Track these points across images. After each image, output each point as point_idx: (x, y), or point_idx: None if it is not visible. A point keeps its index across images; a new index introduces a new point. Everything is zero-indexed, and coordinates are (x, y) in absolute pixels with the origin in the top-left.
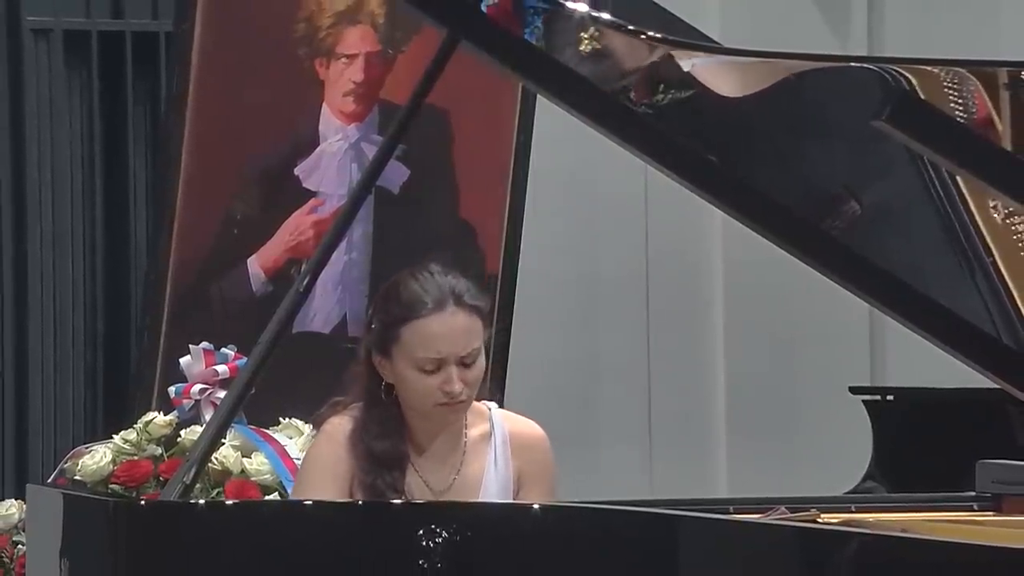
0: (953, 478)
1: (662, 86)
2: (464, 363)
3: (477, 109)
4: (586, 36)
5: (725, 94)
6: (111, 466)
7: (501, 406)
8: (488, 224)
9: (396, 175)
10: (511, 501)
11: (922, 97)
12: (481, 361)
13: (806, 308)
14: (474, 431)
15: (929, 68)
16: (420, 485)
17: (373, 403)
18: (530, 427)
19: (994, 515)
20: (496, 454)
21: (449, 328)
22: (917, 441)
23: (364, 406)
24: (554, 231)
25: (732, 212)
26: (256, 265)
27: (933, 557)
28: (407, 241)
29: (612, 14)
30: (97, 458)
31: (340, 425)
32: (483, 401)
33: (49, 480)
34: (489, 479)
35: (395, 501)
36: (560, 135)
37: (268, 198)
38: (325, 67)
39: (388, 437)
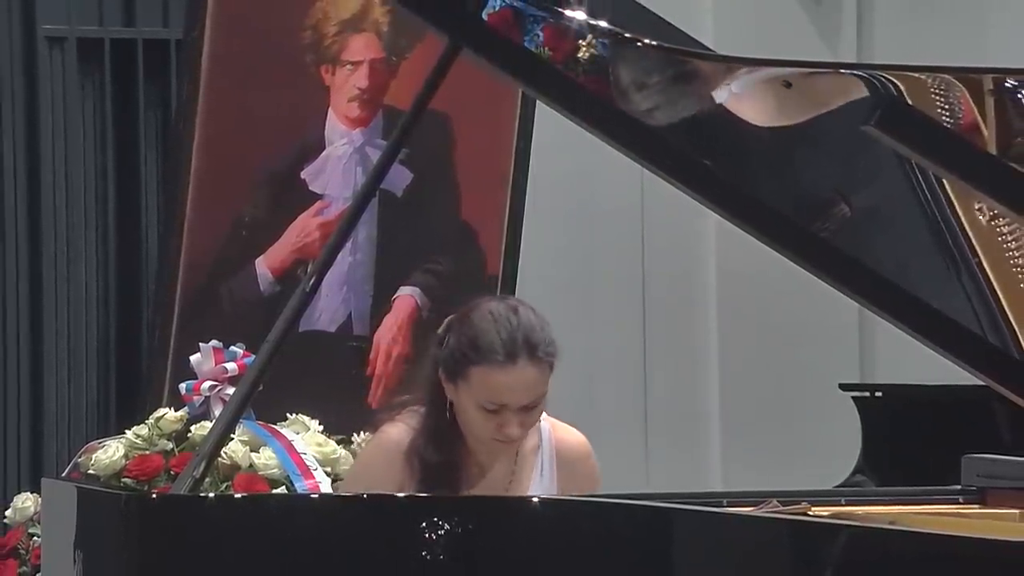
0: (939, 472)
1: (657, 92)
2: (526, 408)
3: (478, 114)
4: (584, 43)
5: (719, 100)
6: (123, 460)
7: None
8: (489, 226)
9: (399, 178)
10: (512, 495)
11: (910, 103)
12: (543, 402)
13: (797, 307)
14: (527, 446)
15: (916, 75)
16: None
17: (435, 413)
18: (574, 436)
19: (979, 508)
20: (543, 466)
21: (516, 381)
22: (904, 436)
23: (426, 413)
24: (553, 233)
25: (726, 215)
26: (264, 266)
27: (920, 548)
28: (410, 243)
29: (609, 22)
30: (110, 453)
31: (394, 435)
32: None
33: (63, 474)
34: (534, 491)
35: (399, 494)
36: (559, 140)
37: (275, 200)
38: (331, 73)
39: (444, 451)
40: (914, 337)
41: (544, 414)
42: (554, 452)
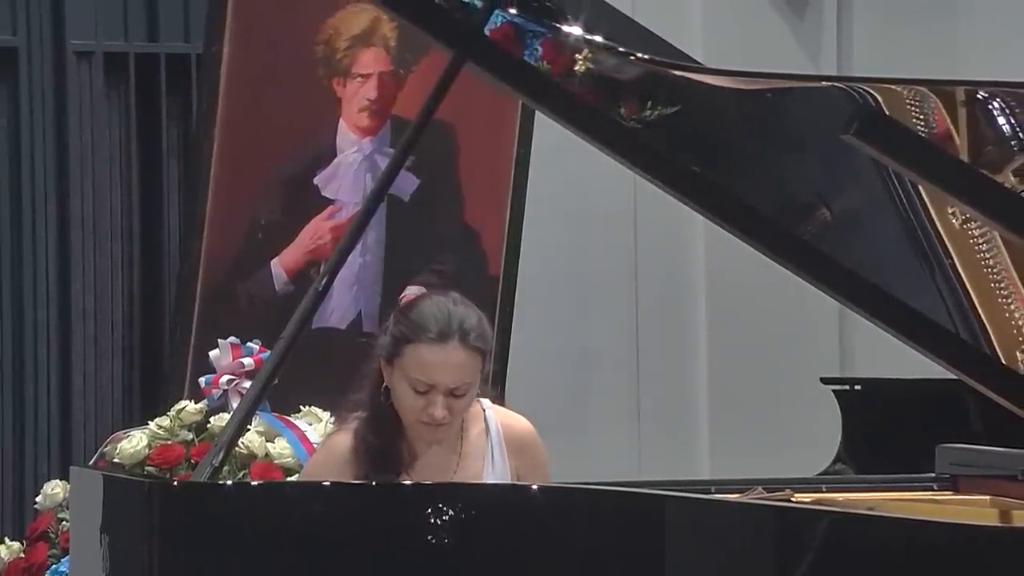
0: (915, 461)
1: (650, 103)
2: (453, 394)
3: (480, 124)
4: (580, 57)
5: (708, 110)
6: (147, 450)
7: (503, 397)
8: (490, 229)
9: (407, 184)
10: (512, 483)
11: (887, 113)
12: (472, 393)
13: (781, 306)
14: (471, 433)
15: (894, 86)
16: None
17: (376, 402)
18: (520, 423)
19: (951, 494)
20: (493, 453)
21: (444, 361)
22: (882, 427)
23: (368, 403)
24: (551, 235)
25: (713, 218)
26: (279, 266)
27: (897, 532)
28: (417, 244)
29: (604, 37)
30: (134, 443)
31: (340, 442)
32: (478, 399)
33: (90, 463)
34: (487, 478)
35: (406, 483)
36: (557, 147)
37: (290, 205)
38: (342, 86)
39: (384, 436)
40: (891, 334)
41: (488, 401)
42: (502, 439)
